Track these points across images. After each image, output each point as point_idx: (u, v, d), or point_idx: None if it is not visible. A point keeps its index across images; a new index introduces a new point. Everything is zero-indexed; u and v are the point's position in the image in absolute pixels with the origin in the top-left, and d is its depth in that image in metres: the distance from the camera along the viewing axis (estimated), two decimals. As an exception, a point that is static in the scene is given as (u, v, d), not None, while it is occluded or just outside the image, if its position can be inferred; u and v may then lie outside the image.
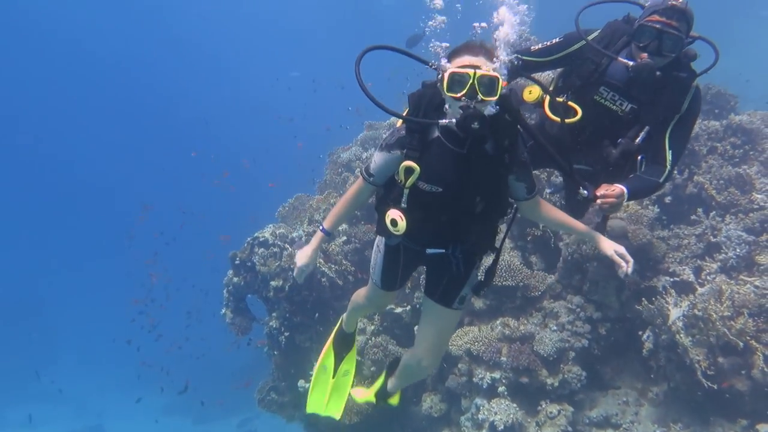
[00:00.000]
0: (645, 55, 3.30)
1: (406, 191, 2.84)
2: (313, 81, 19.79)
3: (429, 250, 3.14)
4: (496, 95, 2.57)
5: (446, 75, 2.59)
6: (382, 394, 4.39)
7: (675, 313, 5.67)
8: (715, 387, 5.29)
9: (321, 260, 8.06)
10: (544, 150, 2.97)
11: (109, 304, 21.50)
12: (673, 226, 6.53)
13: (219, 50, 41.62)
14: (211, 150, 24.57)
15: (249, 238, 8.58)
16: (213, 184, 19.42)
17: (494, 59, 2.63)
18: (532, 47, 3.85)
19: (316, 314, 8.30)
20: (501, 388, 6.39)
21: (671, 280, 6.05)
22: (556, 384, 6.23)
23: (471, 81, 2.53)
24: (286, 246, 8.34)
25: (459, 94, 2.56)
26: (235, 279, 8.58)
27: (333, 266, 8.13)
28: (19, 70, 39.12)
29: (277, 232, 8.52)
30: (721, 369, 5.34)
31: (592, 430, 6.21)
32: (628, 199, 3.35)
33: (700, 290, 5.81)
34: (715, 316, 5.34)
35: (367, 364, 7.42)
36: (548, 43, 3.79)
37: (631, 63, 3.35)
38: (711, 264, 6.09)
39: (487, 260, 3.68)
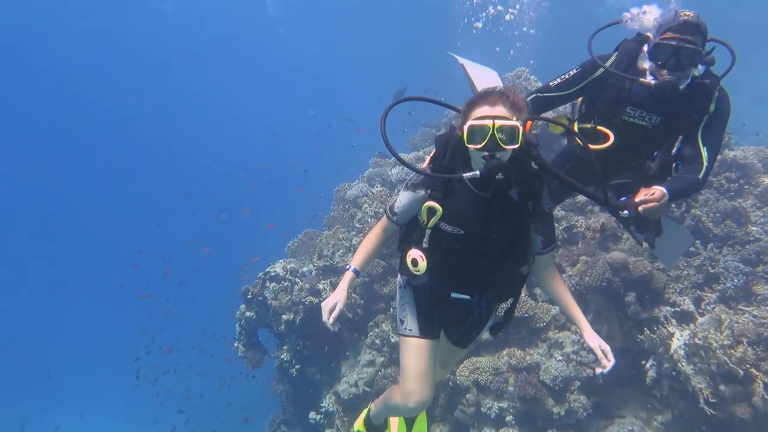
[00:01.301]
0: (665, 72, 3.34)
1: (428, 231, 2.83)
2: (329, 125, 20.06)
3: (454, 295, 3.08)
4: (517, 144, 2.54)
5: (465, 128, 2.57)
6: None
7: (676, 343, 5.78)
8: (717, 414, 5.38)
9: (331, 293, 8.20)
10: (576, 189, 2.87)
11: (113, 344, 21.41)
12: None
13: (224, 93, 41.43)
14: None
15: (261, 273, 8.77)
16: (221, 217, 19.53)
17: (513, 104, 2.58)
18: (551, 83, 3.85)
19: (326, 347, 8.43)
20: (508, 418, 6.48)
21: (672, 310, 6.17)
22: (563, 413, 6.31)
23: (491, 132, 2.50)
24: (297, 280, 8.51)
25: (480, 145, 2.54)
26: (248, 313, 8.75)
27: (343, 299, 8.26)
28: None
29: (288, 267, 8.71)
30: (722, 397, 5.42)
31: (599, 459, 6.28)
32: (671, 200, 3.28)
33: (700, 320, 5.93)
34: (715, 344, 5.43)
35: (377, 396, 7.51)
36: (566, 76, 3.80)
37: (654, 82, 3.39)
38: (710, 294, 6.20)
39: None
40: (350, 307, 8.34)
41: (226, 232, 22.15)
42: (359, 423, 4.06)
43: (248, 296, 8.74)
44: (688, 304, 6.18)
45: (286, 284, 8.50)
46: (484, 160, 2.55)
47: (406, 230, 3.07)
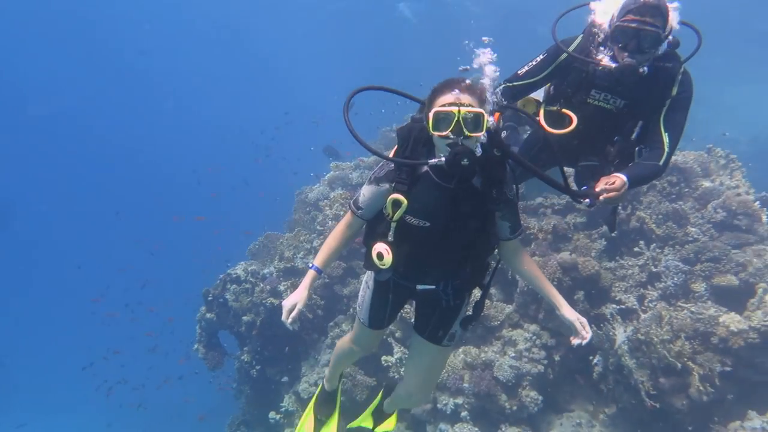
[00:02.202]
0: (625, 55, 3.29)
1: (393, 224, 2.80)
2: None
3: (419, 287, 3.09)
4: (482, 131, 2.55)
5: (431, 115, 2.57)
6: (379, 414, 4.28)
7: (621, 338, 6.05)
8: (658, 405, 5.65)
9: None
10: (538, 176, 2.83)
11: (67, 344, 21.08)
12: (619, 257, 6.92)
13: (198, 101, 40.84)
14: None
15: (222, 275, 8.78)
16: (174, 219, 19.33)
17: (477, 94, 2.60)
18: (518, 72, 3.82)
19: (287, 348, 8.50)
20: (463, 413, 6.65)
21: (617, 307, 6.43)
22: (515, 408, 6.50)
23: (456, 118, 2.50)
24: (258, 282, 8.56)
25: (445, 132, 2.53)
26: (208, 315, 8.75)
27: (303, 300, 8.33)
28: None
29: (249, 269, 8.75)
30: (662, 389, 5.68)
31: (549, 451, 6.51)
32: (631, 187, 3.24)
33: (642, 316, 6.22)
34: (656, 339, 5.70)
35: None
36: (533, 63, 3.77)
37: (614, 65, 3.36)
38: (652, 292, 6.48)
39: (476, 294, 3.56)
40: (310, 308, 8.42)
41: (185, 236, 21.93)
42: (307, 412, 4.33)
43: (209, 298, 8.75)
44: (632, 302, 6.45)
45: (247, 286, 8.54)
46: (449, 148, 2.54)
47: (371, 225, 3.03)
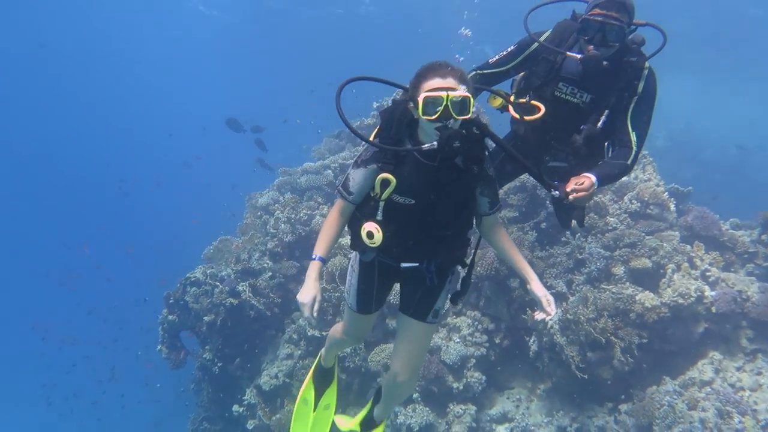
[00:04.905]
0: (591, 47, 3.36)
1: (381, 203, 2.81)
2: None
3: (403, 265, 3.07)
4: (469, 114, 2.57)
5: (420, 99, 2.56)
6: (368, 423, 4.09)
7: (552, 319, 6.55)
8: (586, 377, 6.17)
9: (250, 294, 8.48)
10: (512, 156, 2.85)
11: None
12: (548, 247, 7.40)
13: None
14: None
15: (181, 279, 8.91)
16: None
17: (460, 76, 2.60)
18: (489, 60, 3.88)
19: (246, 345, 8.69)
20: (415, 395, 7.02)
21: (549, 291, 6.92)
22: (461, 388, 6.90)
23: (445, 103, 2.51)
24: (217, 284, 8.72)
25: (434, 117, 2.54)
26: (170, 317, 8.86)
27: (261, 299, 8.56)
28: None
29: (208, 272, 8.89)
30: (590, 362, 6.19)
31: (493, 425, 6.91)
32: (599, 186, 3.28)
33: (571, 298, 6.73)
34: (583, 318, 6.19)
35: (296, 385, 7.89)
36: (504, 53, 3.81)
37: (579, 56, 3.43)
38: (579, 276, 6.98)
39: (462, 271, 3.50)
40: (268, 305, 8.64)
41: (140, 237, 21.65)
42: (354, 423, 4.18)
43: (170, 301, 8.86)
44: (561, 286, 6.95)
45: (206, 288, 8.68)
46: (438, 131, 2.56)
47: (357, 206, 3.01)
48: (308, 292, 2.85)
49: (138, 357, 13.45)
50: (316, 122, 14.55)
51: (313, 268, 2.93)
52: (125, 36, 32.91)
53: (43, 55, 32.15)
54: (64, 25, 30.29)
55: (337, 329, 3.85)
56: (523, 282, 3.12)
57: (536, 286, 3.03)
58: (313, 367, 4.33)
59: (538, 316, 3.06)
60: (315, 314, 2.85)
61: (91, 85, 35.63)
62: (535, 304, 3.10)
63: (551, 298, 3.01)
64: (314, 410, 4.21)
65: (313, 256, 2.97)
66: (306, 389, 4.29)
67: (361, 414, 4.14)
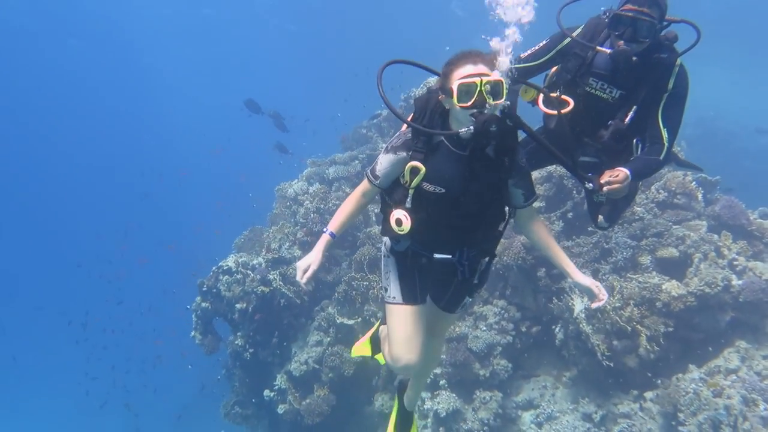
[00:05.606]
0: (621, 42, 3.33)
1: (411, 191, 2.78)
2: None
3: (436, 255, 3.00)
4: (503, 98, 2.53)
5: (455, 87, 2.54)
6: (403, 418, 4.02)
7: (578, 308, 6.58)
8: (612, 365, 6.21)
9: (280, 282, 8.67)
10: (546, 148, 2.84)
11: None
12: (575, 237, 7.43)
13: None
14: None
15: (214, 267, 9.13)
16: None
17: (490, 62, 2.58)
18: (521, 55, 3.82)
19: (276, 332, 8.89)
20: (442, 382, 7.14)
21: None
22: (488, 375, 7.00)
23: (479, 88, 2.50)
24: (248, 272, 8.93)
25: (469, 103, 2.52)
26: (203, 304, 9.09)
27: (291, 287, 8.74)
28: None
29: (240, 261, 9.10)
30: (615, 351, 6.23)
31: (519, 411, 7.01)
32: (633, 180, 3.24)
33: (597, 288, 6.75)
34: (609, 307, 6.23)
35: (326, 371, 8.07)
36: (536, 48, 3.78)
37: (609, 51, 3.40)
38: (605, 266, 6.99)
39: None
40: (298, 294, 8.83)
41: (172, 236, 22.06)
42: (365, 340, 4.25)
43: (203, 289, 9.09)
44: (587, 275, 6.96)
45: (238, 276, 8.89)
46: (473, 118, 2.53)
47: (386, 193, 2.99)
48: (307, 259, 2.90)
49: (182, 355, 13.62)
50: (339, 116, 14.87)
51: (322, 241, 2.96)
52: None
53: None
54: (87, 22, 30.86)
55: (390, 362, 3.35)
56: (562, 274, 3.11)
57: (580, 277, 2.98)
58: (394, 414, 4.10)
59: (594, 305, 3.01)
60: (305, 281, 2.87)
61: (121, 83, 36.50)
62: (585, 294, 3.04)
63: (599, 284, 2.98)
64: None
65: (324, 230, 3.00)
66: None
67: (393, 417, 4.06)
